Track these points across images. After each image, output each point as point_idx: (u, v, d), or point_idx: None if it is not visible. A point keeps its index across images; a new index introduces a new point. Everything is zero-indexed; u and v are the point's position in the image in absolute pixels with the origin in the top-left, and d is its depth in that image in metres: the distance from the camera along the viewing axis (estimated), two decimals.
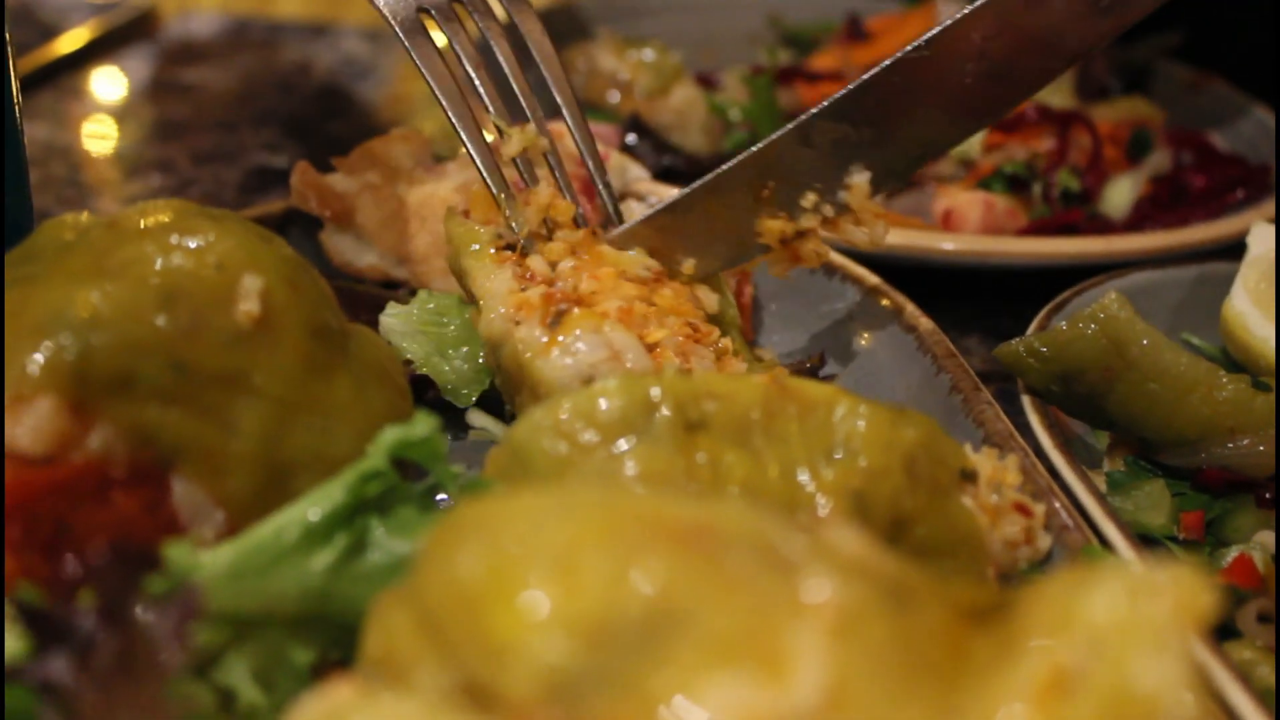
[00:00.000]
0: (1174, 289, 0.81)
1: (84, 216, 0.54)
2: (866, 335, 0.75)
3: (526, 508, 0.36)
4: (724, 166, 0.70)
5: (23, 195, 0.74)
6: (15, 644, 0.45)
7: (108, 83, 1.18)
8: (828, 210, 0.69)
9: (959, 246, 0.86)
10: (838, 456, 0.49)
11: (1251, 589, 0.59)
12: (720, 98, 1.02)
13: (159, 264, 0.49)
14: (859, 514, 0.49)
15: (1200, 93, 1.12)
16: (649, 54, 1.02)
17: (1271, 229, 0.80)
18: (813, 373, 0.73)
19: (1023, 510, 0.53)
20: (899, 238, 0.85)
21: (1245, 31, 1.22)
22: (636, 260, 0.69)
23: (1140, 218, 0.95)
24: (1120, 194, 0.96)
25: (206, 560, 0.47)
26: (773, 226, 0.68)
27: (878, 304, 0.75)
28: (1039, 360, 0.64)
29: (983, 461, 0.55)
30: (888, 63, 0.68)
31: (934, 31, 0.68)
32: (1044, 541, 0.55)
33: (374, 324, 0.72)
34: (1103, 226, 0.94)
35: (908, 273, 0.85)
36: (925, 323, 0.71)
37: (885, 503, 0.49)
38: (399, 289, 0.76)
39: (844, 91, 0.68)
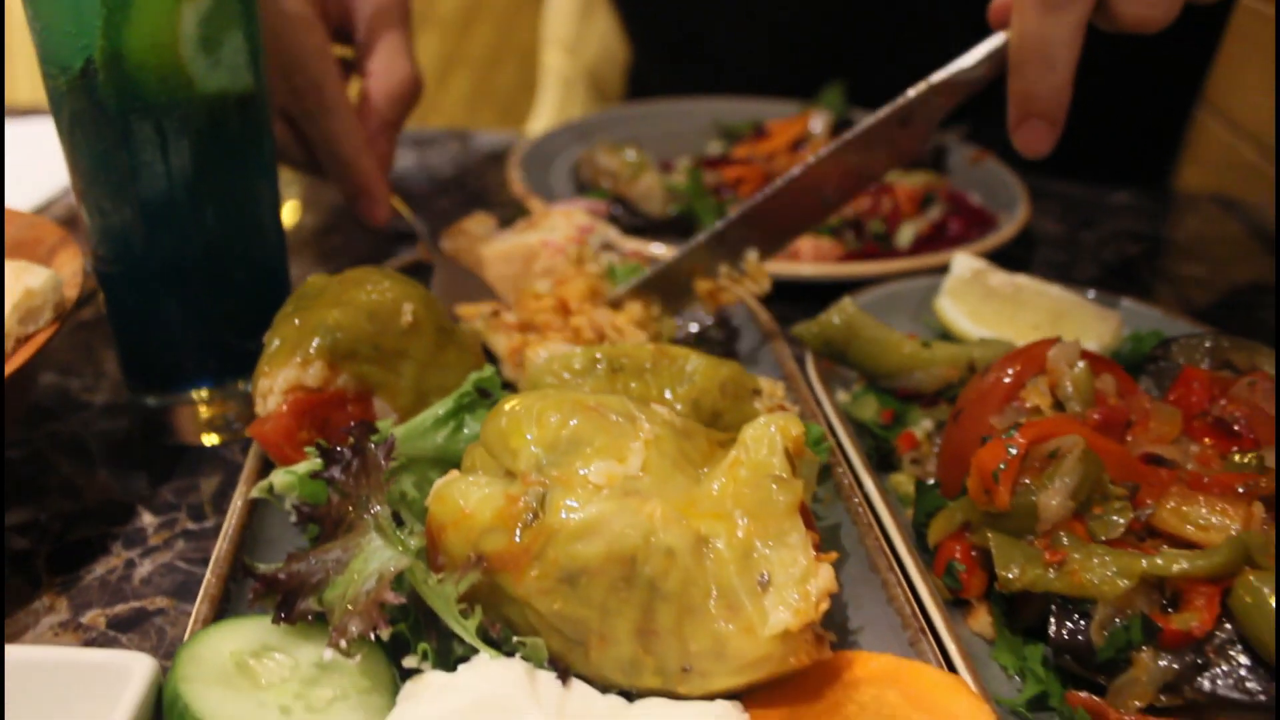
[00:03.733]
0: (917, 291, 1.00)
1: (322, 278, 0.80)
2: (733, 324, 0.94)
3: (525, 399, 0.66)
4: (674, 255, 0.88)
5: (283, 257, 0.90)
6: (315, 465, 0.66)
7: (294, 175, 1.33)
8: (734, 274, 0.88)
9: (793, 271, 1.04)
10: (685, 384, 0.75)
11: (910, 449, 0.82)
12: (672, 179, 1.18)
13: (365, 299, 0.76)
14: (694, 410, 0.74)
15: (977, 165, 1.30)
16: (630, 154, 1.20)
17: (966, 257, 0.99)
18: (695, 340, 0.91)
19: (782, 407, 0.79)
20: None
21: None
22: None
23: (917, 248, 1.12)
24: (906, 234, 1.14)
25: (396, 429, 0.70)
26: (703, 285, 0.89)
27: (741, 302, 0.94)
28: (814, 334, 0.87)
29: (765, 384, 0.79)
30: (769, 192, 0.87)
31: (796, 172, 0.87)
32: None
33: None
34: (892, 254, 1.12)
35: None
36: (763, 314, 0.93)
37: (708, 405, 0.75)
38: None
39: (742, 211, 0.88)
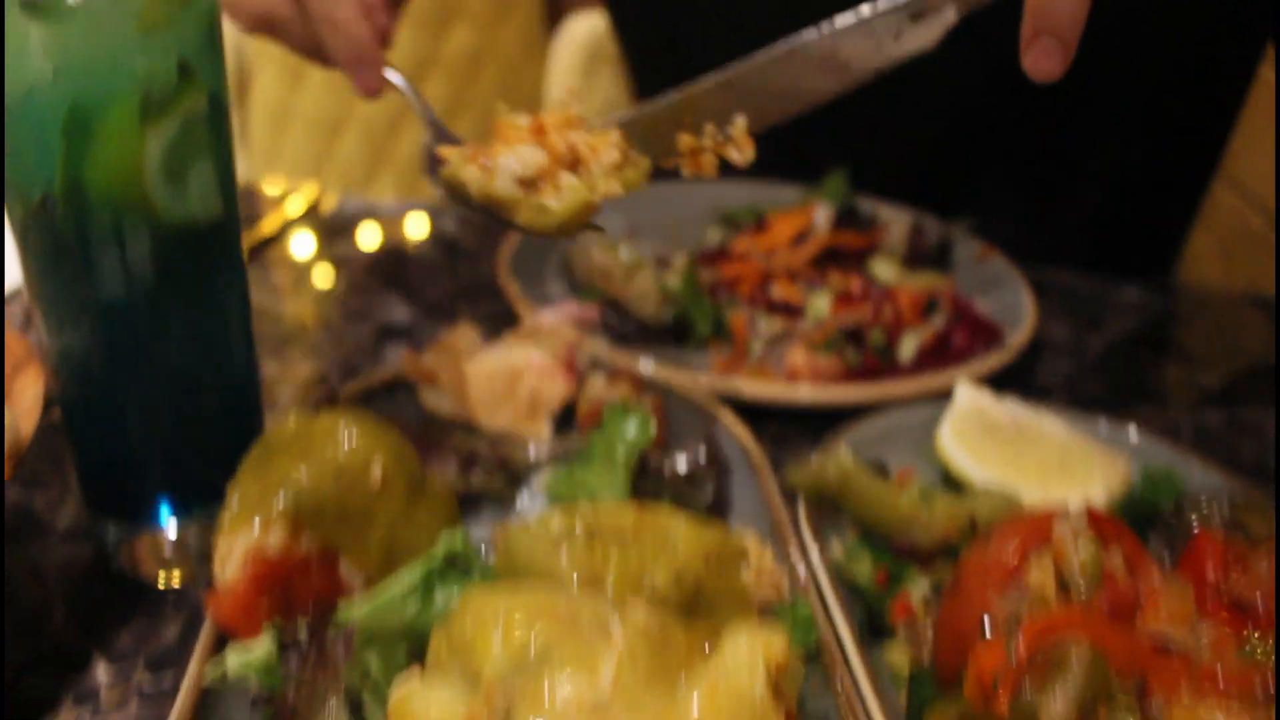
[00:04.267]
0: (918, 421, 0.95)
1: (290, 424, 0.76)
2: (723, 456, 0.89)
3: (495, 599, 0.61)
4: (665, 100, 0.82)
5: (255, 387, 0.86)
6: (271, 648, 0.64)
7: (287, 257, 1.31)
8: (720, 137, 0.80)
9: (791, 396, 1.01)
10: (668, 556, 0.71)
11: (905, 617, 0.78)
12: (667, 277, 1.13)
13: (332, 454, 0.73)
14: (676, 583, 0.69)
15: (983, 262, 1.26)
16: (625, 251, 1.16)
17: (968, 387, 0.95)
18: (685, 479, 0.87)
19: (773, 578, 0.75)
20: (759, 389, 1.00)
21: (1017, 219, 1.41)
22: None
23: (918, 364, 1.08)
24: (909, 346, 1.09)
25: (356, 607, 0.67)
26: (685, 140, 0.80)
27: (731, 435, 0.91)
28: (806, 483, 0.84)
29: (754, 547, 0.75)
30: (762, 58, 0.82)
31: (794, 42, 0.82)
32: (786, 591, 0.75)
33: (446, 444, 0.89)
34: (894, 369, 1.08)
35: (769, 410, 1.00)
36: (755, 451, 0.89)
37: (692, 577, 0.70)
38: (461, 425, 0.93)
39: (735, 71, 0.82)
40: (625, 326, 1.10)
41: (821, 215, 1.23)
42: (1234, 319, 1.32)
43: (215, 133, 0.77)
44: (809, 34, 0.82)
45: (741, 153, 0.81)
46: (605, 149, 0.77)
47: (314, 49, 0.98)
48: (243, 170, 2.39)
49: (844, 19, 0.81)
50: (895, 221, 1.30)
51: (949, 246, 1.28)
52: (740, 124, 0.82)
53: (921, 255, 1.25)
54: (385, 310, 1.20)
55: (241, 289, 0.83)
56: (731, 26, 1.39)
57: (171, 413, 0.80)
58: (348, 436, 0.75)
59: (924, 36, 0.80)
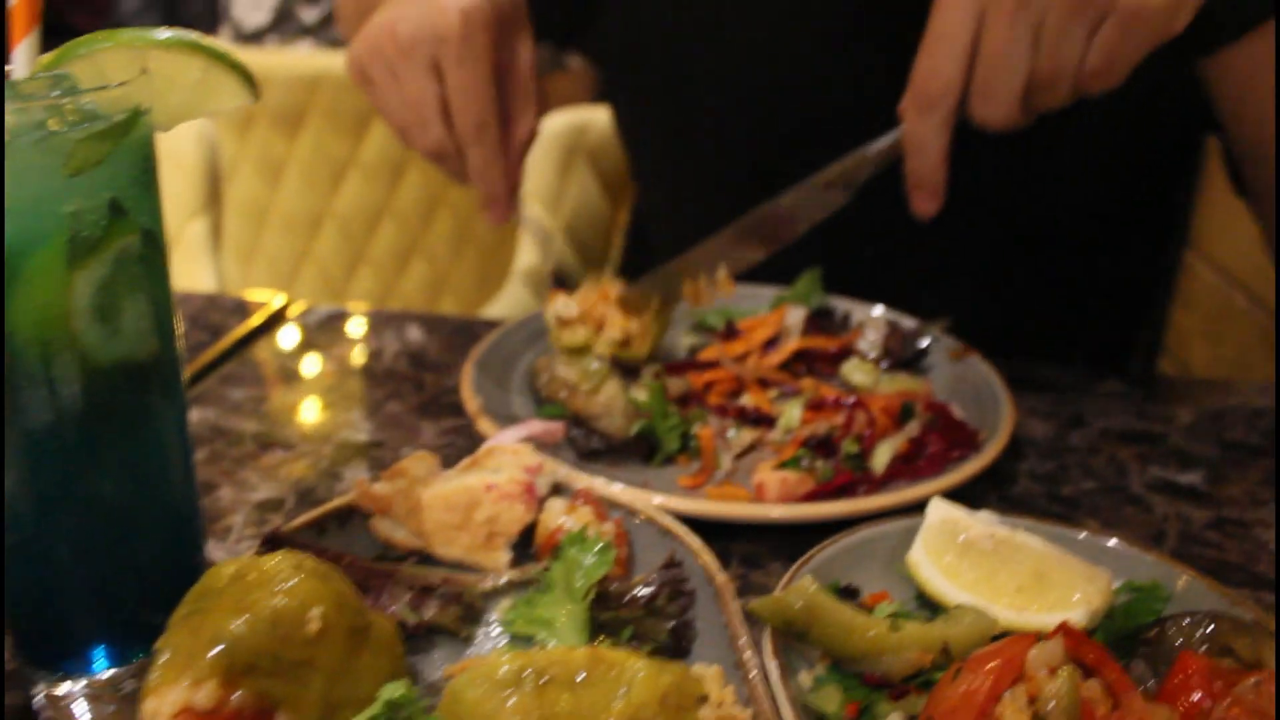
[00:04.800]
0: (890, 538, 0.92)
1: (228, 568, 0.72)
2: (688, 586, 0.84)
3: None
4: (671, 264, 1.20)
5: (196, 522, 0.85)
6: None
7: (250, 371, 1.29)
8: (709, 281, 1.18)
9: (760, 514, 0.98)
10: (621, 695, 0.68)
11: None
12: (635, 389, 1.11)
13: (268, 602, 0.69)
14: None
15: (960, 362, 1.24)
16: (591, 362, 1.13)
17: (943, 503, 0.92)
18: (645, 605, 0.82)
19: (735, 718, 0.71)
20: (726, 509, 0.98)
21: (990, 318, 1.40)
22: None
23: (893, 473, 1.04)
24: (882, 455, 1.06)
25: None
26: (690, 286, 1.19)
27: (696, 561, 0.86)
28: (772, 613, 0.79)
29: (714, 686, 0.72)
30: (724, 233, 1.19)
31: (745, 221, 1.18)
32: None
33: (398, 576, 0.85)
34: (867, 479, 1.04)
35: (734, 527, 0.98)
36: (720, 576, 0.84)
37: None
38: (416, 554, 0.90)
39: (718, 236, 1.19)
40: (590, 443, 1.07)
41: (793, 318, 1.22)
42: (1220, 407, 1.29)
43: (149, 269, 0.75)
44: (768, 204, 1.16)
45: (725, 291, 1.19)
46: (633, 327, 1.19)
47: (460, 177, 1.22)
48: (217, 271, 2.38)
49: (794, 189, 1.14)
50: (870, 322, 1.29)
51: (925, 347, 1.26)
52: (721, 274, 1.18)
53: (897, 357, 1.23)
54: (347, 426, 1.18)
55: (180, 423, 0.81)
56: (724, 106, 1.47)
57: (107, 555, 0.78)
58: (286, 582, 0.72)
59: (845, 197, 1.13)
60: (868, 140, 1.10)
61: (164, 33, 0.76)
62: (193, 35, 0.77)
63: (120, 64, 0.74)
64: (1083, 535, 0.95)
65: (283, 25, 2.67)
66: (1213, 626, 0.79)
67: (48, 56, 0.73)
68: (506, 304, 2.52)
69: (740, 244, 1.17)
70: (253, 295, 1.53)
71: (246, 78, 0.79)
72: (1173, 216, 1.60)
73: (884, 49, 1.18)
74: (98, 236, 0.71)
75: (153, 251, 0.75)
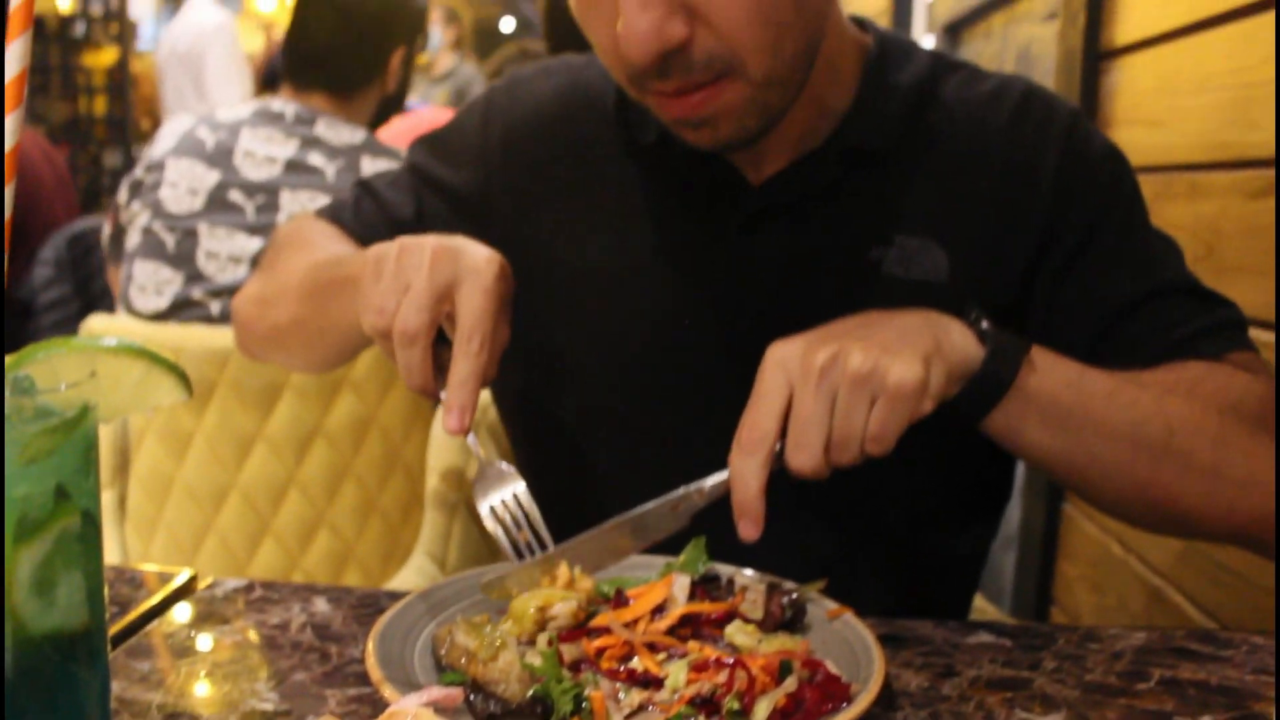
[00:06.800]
0: None
1: None
2: None
3: None
4: (537, 558, 1.34)
5: None
6: None
7: (157, 643, 1.31)
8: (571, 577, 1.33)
9: None
10: None
11: None
12: (530, 655, 1.17)
13: None
14: None
15: (835, 619, 1.33)
16: (491, 630, 1.19)
17: None
18: None
19: None
20: None
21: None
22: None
23: None
24: (762, 709, 1.12)
25: None
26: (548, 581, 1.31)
27: None
28: None
29: None
30: (599, 530, 1.35)
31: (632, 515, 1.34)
32: None
33: None
34: None
35: None
36: None
37: None
38: None
39: (584, 537, 1.35)
40: (489, 707, 1.13)
41: (679, 586, 1.32)
42: (1079, 652, 1.41)
43: (86, 546, 0.84)
44: (622, 516, 1.35)
45: (582, 588, 1.33)
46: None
47: (427, 391, 1.33)
48: (121, 545, 2.40)
49: (645, 508, 1.35)
50: (752, 587, 1.39)
51: (802, 609, 1.35)
52: (579, 572, 1.35)
53: (776, 620, 1.32)
54: (253, 696, 1.21)
55: (103, 694, 0.87)
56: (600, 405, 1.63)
57: None
58: None
59: (683, 521, 1.36)
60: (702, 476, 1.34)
61: (111, 340, 0.88)
62: (136, 343, 0.90)
63: (72, 367, 0.86)
64: None
65: (180, 313, 2.77)
66: None
67: (10, 358, 0.85)
68: (410, 576, 2.59)
69: (599, 546, 1.37)
70: (158, 568, 1.59)
71: (182, 377, 0.91)
72: (1003, 492, 1.80)
73: (739, 378, 1.38)
74: (43, 518, 0.80)
75: (90, 529, 0.84)
